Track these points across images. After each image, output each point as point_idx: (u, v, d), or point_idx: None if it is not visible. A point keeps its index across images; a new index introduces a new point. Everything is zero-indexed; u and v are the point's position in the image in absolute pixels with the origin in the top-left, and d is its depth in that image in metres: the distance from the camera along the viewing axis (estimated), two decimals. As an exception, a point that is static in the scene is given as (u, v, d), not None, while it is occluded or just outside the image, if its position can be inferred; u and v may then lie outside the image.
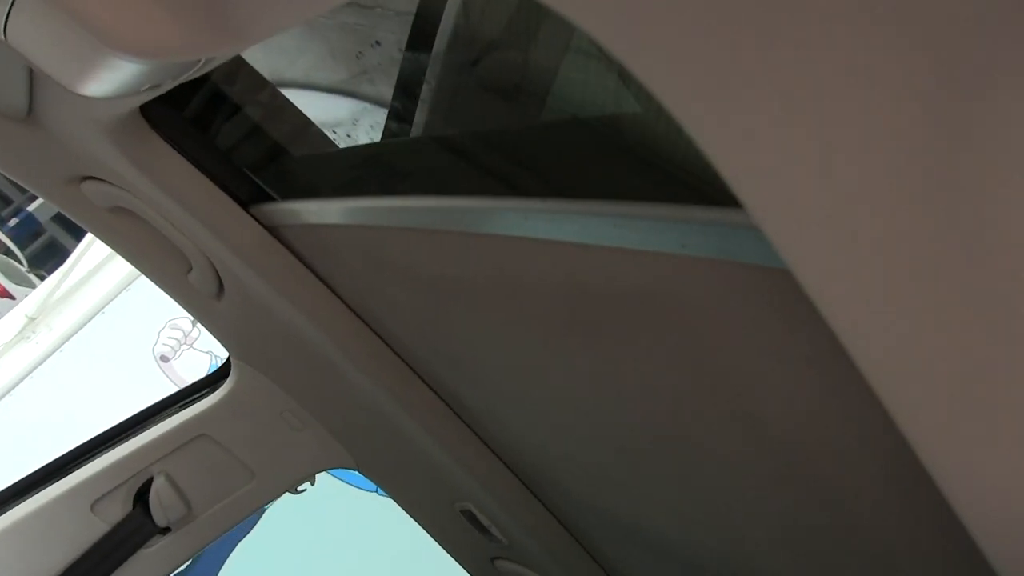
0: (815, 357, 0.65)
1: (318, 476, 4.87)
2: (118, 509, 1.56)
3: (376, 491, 4.45)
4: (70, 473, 1.55)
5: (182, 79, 0.82)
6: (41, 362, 4.56)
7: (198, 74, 0.80)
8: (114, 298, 4.73)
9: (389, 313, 1.38)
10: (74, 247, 5.19)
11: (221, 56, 0.76)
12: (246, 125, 1.47)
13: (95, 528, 1.55)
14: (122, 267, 4.74)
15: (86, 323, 4.67)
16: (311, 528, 4.47)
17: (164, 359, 4.68)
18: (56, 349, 4.62)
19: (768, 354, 0.73)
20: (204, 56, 0.67)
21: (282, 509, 4.45)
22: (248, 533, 4.42)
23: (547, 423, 1.33)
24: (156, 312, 4.64)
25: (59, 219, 6.24)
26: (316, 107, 1.43)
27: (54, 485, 1.55)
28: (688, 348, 0.82)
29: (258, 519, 4.43)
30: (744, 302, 0.68)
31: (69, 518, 1.54)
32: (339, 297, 1.41)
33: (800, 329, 0.63)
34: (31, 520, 1.51)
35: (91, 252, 4.87)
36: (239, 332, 1.53)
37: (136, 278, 4.76)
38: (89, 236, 5.05)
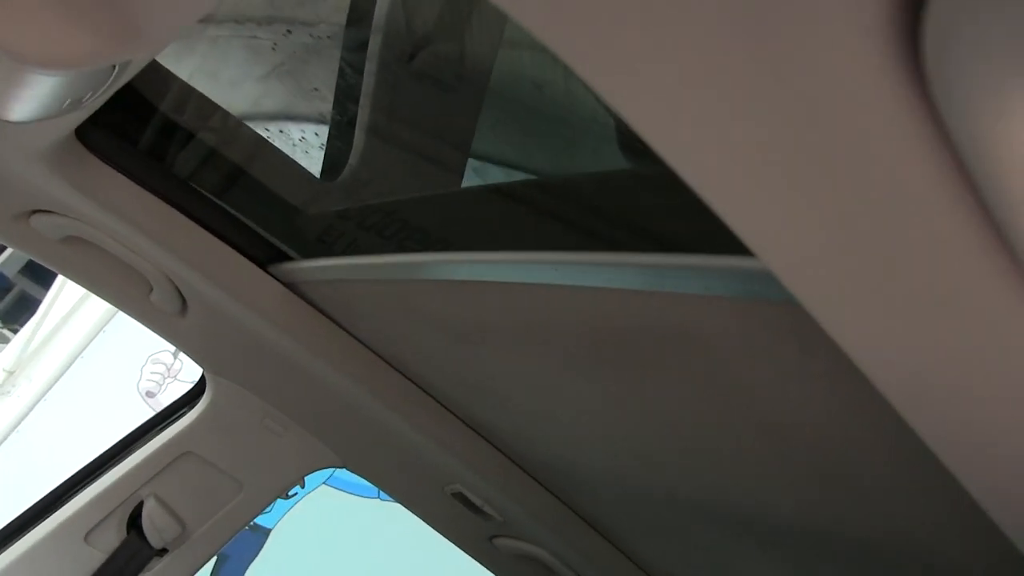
0: (826, 372, 0.72)
1: (318, 489, 4.86)
2: (113, 537, 1.56)
3: (378, 496, 4.48)
4: (60, 508, 1.56)
5: (103, 92, 0.83)
6: (26, 414, 4.53)
7: (116, 85, 0.81)
8: (91, 341, 4.70)
9: (388, 341, 1.42)
10: (44, 296, 5.15)
11: (135, 62, 0.77)
12: (199, 147, 1.47)
13: (92, 559, 1.55)
14: (95, 310, 4.71)
15: (66, 369, 4.64)
16: (318, 541, 4.47)
17: (150, 395, 4.67)
18: (39, 399, 4.60)
19: (785, 372, 0.81)
20: (113, 61, 0.68)
21: (287, 526, 4.46)
22: (257, 555, 4.42)
23: (563, 434, 1.38)
24: (135, 349, 4.62)
25: (27, 271, 6.14)
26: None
27: (45, 522, 1.55)
28: (714, 372, 0.90)
29: (265, 540, 4.43)
30: (761, 329, 0.77)
31: (65, 553, 1.55)
32: (325, 314, 1.44)
33: (810, 349, 0.71)
34: (27, 559, 1.52)
35: (62, 298, 4.84)
36: (210, 346, 1.54)
37: (111, 318, 4.73)
38: (58, 283, 5.01)
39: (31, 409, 4.51)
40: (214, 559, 4.41)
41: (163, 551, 1.60)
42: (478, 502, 1.59)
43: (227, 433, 1.58)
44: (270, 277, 1.41)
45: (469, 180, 1.89)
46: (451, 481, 1.58)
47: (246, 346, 1.50)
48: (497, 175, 2.03)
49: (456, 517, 1.65)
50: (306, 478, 4.90)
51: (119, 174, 1.31)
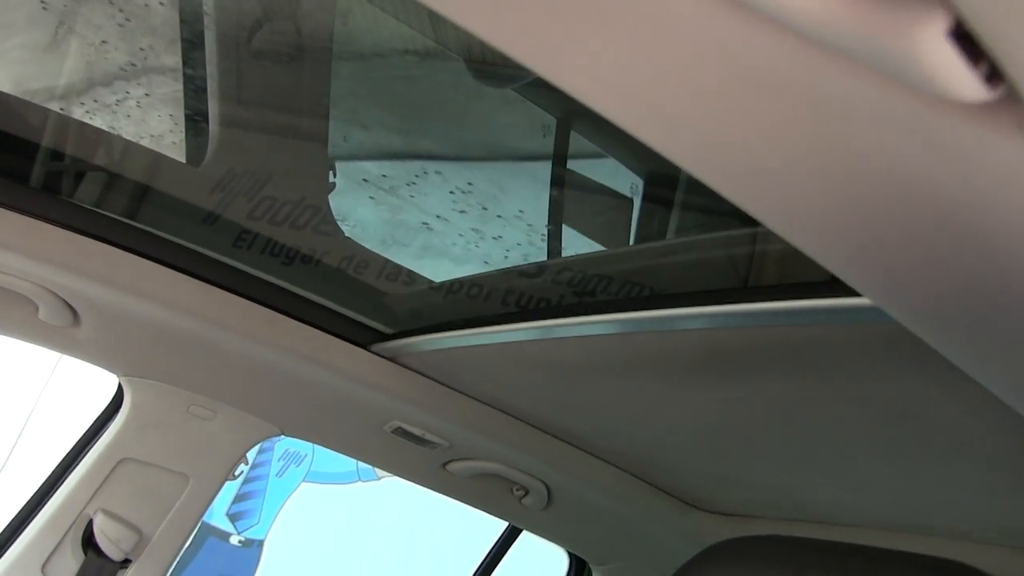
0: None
1: (299, 489, 4.86)
2: (71, 562, 1.55)
3: (359, 478, 4.50)
4: (8, 549, 1.54)
5: None
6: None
7: None
8: (47, 383, 4.64)
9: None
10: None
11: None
12: (39, 150, 1.44)
13: (57, 588, 1.54)
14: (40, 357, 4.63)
15: (31, 414, 4.58)
16: (312, 538, 4.48)
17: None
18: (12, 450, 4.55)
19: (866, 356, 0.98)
20: None
21: (279, 533, 4.46)
22: (257, 567, 4.42)
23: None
24: (87, 389, 4.56)
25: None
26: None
27: (-1, 564, 1.54)
28: (806, 368, 1.07)
29: (261, 551, 4.43)
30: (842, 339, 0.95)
31: (27, 589, 1.53)
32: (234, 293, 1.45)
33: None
34: None
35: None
36: (114, 349, 1.52)
37: (55, 366, 4.66)
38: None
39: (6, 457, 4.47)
40: (216, 583, 4.40)
41: (126, 562, 1.59)
42: (419, 432, 1.62)
43: (157, 430, 1.57)
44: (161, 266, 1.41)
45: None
46: (388, 419, 1.60)
47: (152, 339, 1.49)
48: (362, 137, 2.02)
49: (404, 453, 1.68)
50: (285, 480, 4.90)
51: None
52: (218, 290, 1.43)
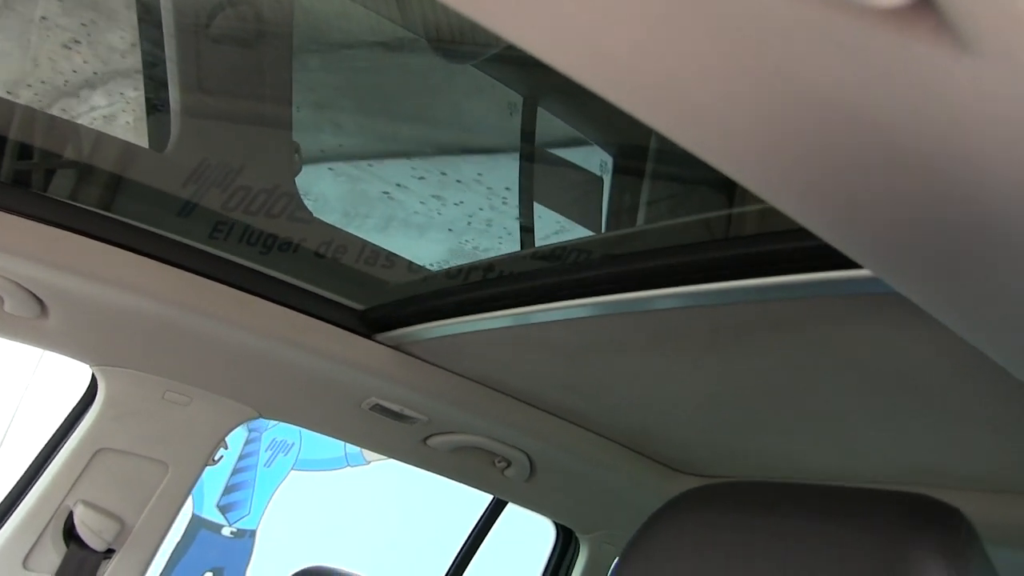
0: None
1: (288, 477, 4.86)
2: (52, 555, 1.54)
3: (347, 464, 4.50)
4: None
5: None
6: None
7: None
8: (27, 389, 4.61)
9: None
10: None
11: None
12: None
13: (39, 582, 1.54)
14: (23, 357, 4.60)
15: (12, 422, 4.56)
16: (304, 525, 4.49)
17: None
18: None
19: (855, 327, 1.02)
20: None
21: (271, 522, 4.46)
22: (251, 557, 4.42)
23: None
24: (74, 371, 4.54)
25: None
26: None
27: (-22, 564, 1.53)
28: (796, 339, 1.11)
29: (253, 541, 4.43)
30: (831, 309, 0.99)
31: (8, 586, 1.53)
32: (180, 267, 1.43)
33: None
34: None
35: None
36: (84, 339, 1.51)
37: (36, 367, 4.64)
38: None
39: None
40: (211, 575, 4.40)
41: (110, 552, 1.59)
42: (397, 408, 1.62)
43: (133, 418, 1.56)
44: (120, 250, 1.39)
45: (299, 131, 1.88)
46: (365, 395, 1.60)
47: (122, 327, 1.48)
48: (324, 122, 2.01)
49: (383, 430, 1.68)
50: (274, 469, 4.90)
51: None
52: (187, 274, 1.41)
